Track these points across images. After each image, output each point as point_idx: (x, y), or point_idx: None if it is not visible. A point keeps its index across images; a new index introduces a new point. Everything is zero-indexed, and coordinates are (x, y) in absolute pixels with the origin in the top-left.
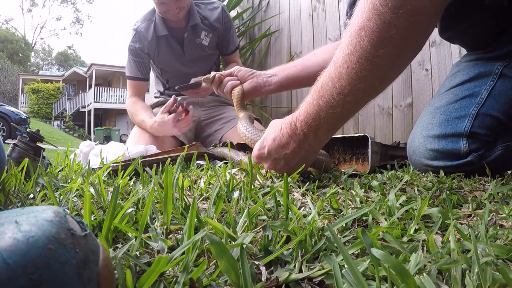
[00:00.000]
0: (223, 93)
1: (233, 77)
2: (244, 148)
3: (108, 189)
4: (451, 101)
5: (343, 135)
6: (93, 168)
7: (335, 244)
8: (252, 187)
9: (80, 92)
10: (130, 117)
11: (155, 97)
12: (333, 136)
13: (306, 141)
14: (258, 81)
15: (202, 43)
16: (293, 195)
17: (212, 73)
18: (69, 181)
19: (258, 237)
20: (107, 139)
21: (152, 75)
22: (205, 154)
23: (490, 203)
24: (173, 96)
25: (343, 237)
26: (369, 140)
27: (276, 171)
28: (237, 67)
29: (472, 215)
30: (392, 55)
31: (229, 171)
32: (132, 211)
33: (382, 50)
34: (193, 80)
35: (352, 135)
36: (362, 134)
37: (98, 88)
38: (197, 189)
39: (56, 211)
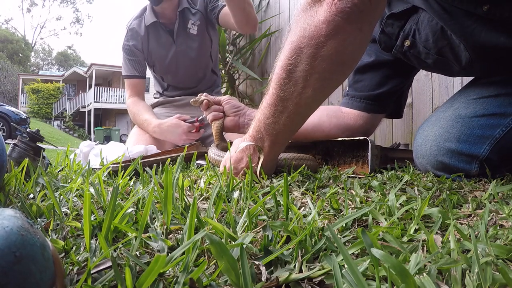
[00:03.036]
0: (207, 118)
1: (219, 107)
2: None
3: (108, 189)
4: (478, 114)
5: (343, 138)
6: (93, 168)
7: (335, 244)
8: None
9: (80, 92)
10: (131, 117)
11: (155, 98)
12: (333, 139)
13: (256, 155)
14: (239, 121)
15: (190, 32)
16: (293, 195)
17: (202, 98)
18: (69, 181)
19: (258, 237)
20: (107, 139)
21: (151, 75)
22: (205, 154)
23: (490, 203)
24: (202, 117)
25: (343, 237)
26: (369, 143)
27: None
28: (227, 97)
29: (472, 215)
30: (303, 62)
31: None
32: (132, 211)
33: (293, 58)
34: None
35: (352, 138)
36: (362, 138)
37: (98, 88)
38: (197, 189)
39: (14, 210)
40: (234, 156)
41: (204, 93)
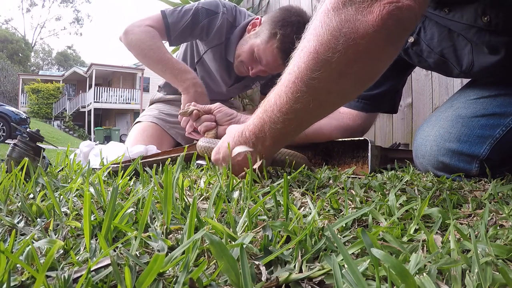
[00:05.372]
0: (198, 129)
1: (211, 116)
2: None
3: (108, 189)
4: (478, 114)
5: (343, 139)
6: (93, 168)
7: (335, 244)
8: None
9: (80, 92)
10: (139, 44)
11: (159, 91)
12: (333, 139)
13: (255, 150)
14: None
15: (248, 85)
16: (293, 195)
17: (190, 108)
18: (69, 181)
19: (258, 237)
20: (107, 139)
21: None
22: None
23: (490, 203)
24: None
25: (343, 237)
26: (369, 144)
27: (233, 173)
28: (218, 105)
29: (472, 215)
30: (329, 78)
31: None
32: (132, 211)
33: (318, 72)
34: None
35: (352, 138)
36: (362, 138)
37: (98, 88)
38: (197, 189)
39: None
40: (230, 146)
41: (193, 102)
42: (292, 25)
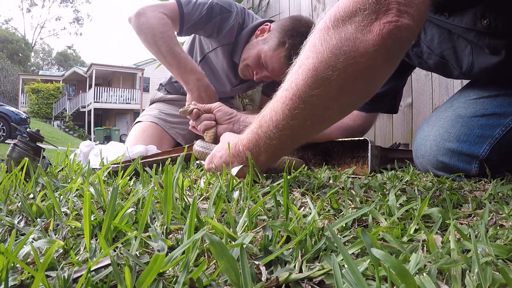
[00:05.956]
0: (198, 128)
1: (210, 115)
2: None
3: (108, 189)
4: (478, 114)
5: (343, 139)
6: (93, 168)
7: (335, 244)
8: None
9: (80, 92)
10: (150, 29)
11: (159, 89)
12: (333, 139)
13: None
14: (233, 129)
15: (252, 86)
16: (293, 195)
17: (191, 106)
18: (69, 181)
19: (258, 237)
20: (107, 139)
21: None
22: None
23: (490, 203)
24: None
25: (343, 237)
26: (369, 144)
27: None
28: (218, 104)
29: (472, 215)
30: (327, 96)
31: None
32: (132, 211)
33: (317, 90)
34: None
35: (352, 138)
36: (362, 138)
37: (98, 88)
38: (197, 189)
39: None
40: (222, 157)
41: (193, 102)
42: (301, 36)
